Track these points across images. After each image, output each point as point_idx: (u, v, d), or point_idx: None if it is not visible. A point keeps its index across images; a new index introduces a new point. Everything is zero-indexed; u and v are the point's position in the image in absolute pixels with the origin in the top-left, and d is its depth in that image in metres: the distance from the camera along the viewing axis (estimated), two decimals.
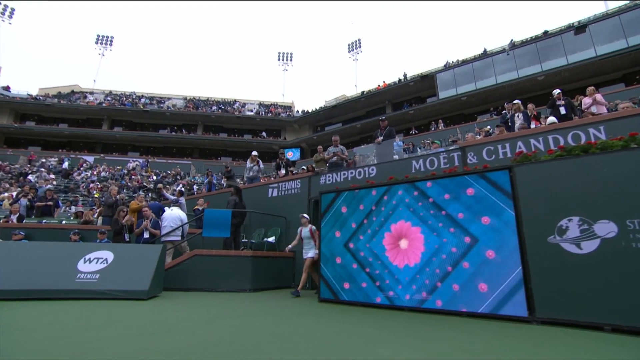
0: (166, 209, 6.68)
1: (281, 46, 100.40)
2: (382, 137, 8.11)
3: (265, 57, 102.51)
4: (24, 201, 8.19)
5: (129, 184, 18.85)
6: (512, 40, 24.65)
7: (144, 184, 18.82)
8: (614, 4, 24.34)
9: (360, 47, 41.25)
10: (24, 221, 7.68)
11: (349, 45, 41.77)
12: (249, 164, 9.74)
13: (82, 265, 4.92)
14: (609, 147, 3.47)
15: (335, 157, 8.22)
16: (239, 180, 16.38)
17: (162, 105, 32.55)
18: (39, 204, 8.30)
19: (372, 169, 6.74)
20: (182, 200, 8.48)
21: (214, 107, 33.73)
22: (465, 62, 25.37)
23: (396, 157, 8.43)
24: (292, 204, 7.74)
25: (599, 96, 8.14)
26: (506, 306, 3.63)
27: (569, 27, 20.36)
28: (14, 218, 7.48)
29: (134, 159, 25.66)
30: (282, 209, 7.85)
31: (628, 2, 21.99)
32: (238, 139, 31.88)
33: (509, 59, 21.59)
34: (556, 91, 8.23)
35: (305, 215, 5.81)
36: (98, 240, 6.54)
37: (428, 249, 4.23)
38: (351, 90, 55.30)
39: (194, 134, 31.62)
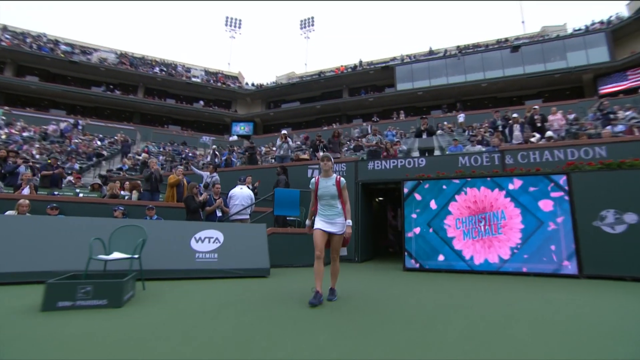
0: (237, 187, 6.69)
1: (230, 10, 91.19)
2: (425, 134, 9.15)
3: (211, 19, 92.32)
4: (22, 168, 6.96)
5: (62, 147, 16.14)
6: (460, 48, 28.17)
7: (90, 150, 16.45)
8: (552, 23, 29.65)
9: (312, 25, 41.06)
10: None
11: (301, 21, 41.16)
12: (278, 142, 9.89)
13: (195, 245, 4.93)
14: (635, 165, 5.26)
15: (375, 147, 9.08)
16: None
17: (89, 57, 27.64)
18: (45, 172, 7.12)
19: (422, 160, 7.88)
20: (217, 176, 8.39)
21: (157, 69, 30.19)
22: (417, 57, 28.06)
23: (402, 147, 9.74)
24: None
25: (559, 115, 10.71)
26: (563, 268, 5.26)
27: (508, 46, 24.24)
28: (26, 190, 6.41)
29: (61, 118, 21.81)
30: None
31: (546, 35, 27.08)
32: (187, 107, 29.40)
33: (459, 63, 24.73)
34: (535, 107, 10.51)
35: (327, 154, 3.54)
36: (148, 217, 6.28)
37: (502, 228, 5.63)
38: (301, 68, 54.86)
39: (134, 96, 27.97)
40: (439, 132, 17.36)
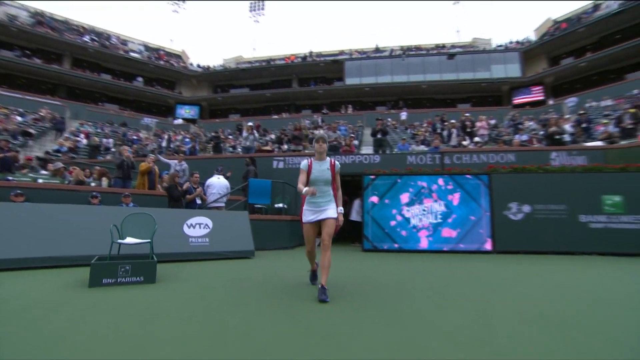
0: (215, 176, 7.10)
1: None
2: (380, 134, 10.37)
3: None
4: None
5: None
6: (404, 49, 30.52)
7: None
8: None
9: (263, 9, 40.24)
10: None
11: (251, 4, 40.08)
12: (244, 133, 10.28)
13: (188, 230, 5.41)
14: (533, 170, 7.10)
15: (335, 142, 10.08)
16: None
17: None
18: None
19: (376, 157, 9.11)
20: (185, 164, 8.65)
21: (87, 38, 27.04)
22: (365, 52, 29.80)
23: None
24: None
25: (484, 122, 12.93)
26: (483, 246, 6.95)
27: (445, 53, 27.06)
28: None
29: None
30: (288, 180, 9.27)
31: (475, 47, 30.70)
32: (126, 85, 27.06)
33: (403, 64, 26.94)
34: (467, 114, 12.55)
35: (323, 135, 3.23)
36: (124, 205, 6.49)
37: (443, 216, 7.13)
38: (249, 52, 53.18)
39: (59, 66, 24.80)
40: (384, 124, 19.09)
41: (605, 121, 11.92)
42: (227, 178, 7.99)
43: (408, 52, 28.46)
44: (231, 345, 1.88)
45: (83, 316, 2.36)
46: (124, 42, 30.31)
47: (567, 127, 10.69)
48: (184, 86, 30.84)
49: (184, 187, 6.54)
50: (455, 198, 7.15)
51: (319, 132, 3.13)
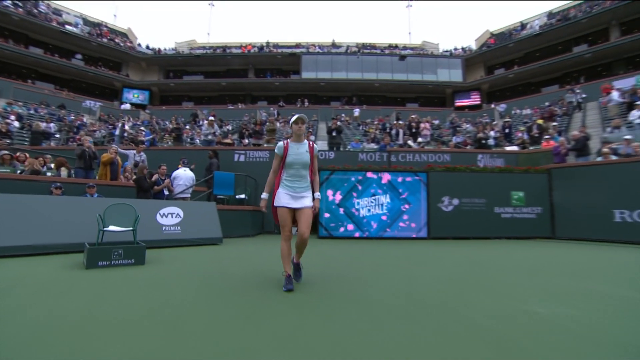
0: (180, 169, 7.42)
1: None
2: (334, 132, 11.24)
3: None
4: None
5: None
6: (359, 46, 31.84)
7: None
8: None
9: None
10: None
11: None
12: (205, 127, 10.52)
13: (161, 219, 5.83)
14: (461, 170, 8.56)
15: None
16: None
17: None
18: None
19: (332, 154, 10.02)
20: (144, 155, 8.83)
21: (8, 2, 24.12)
22: (321, 47, 30.63)
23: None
24: (259, 170, 9.90)
25: (427, 124, 14.55)
26: (420, 233, 8.27)
27: (397, 54, 28.86)
28: None
29: None
30: (249, 173, 9.84)
31: (424, 50, 32.99)
32: (65, 63, 24.79)
33: (358, 61, 28.25)
34: (413, 115, 14.03)
35: (302, 116, 2.93)
36: (88, 195, 6.67)
37: (390, 206, 8.31)
38: (203, 37, 50.92)
39: None
40: (338, 123, 20.20)
41: (522, 128, 14.17)
42: (191, 170, 8.38)
43: (363, 50, 29.84)
44: (220, 298, 2.62)
45: (95, 289, 2.91)
46: (57, 12, 27.53)
47: (492, 133, 12.62)
48: (132, 69, 29.06)
49: (153, 178, 6.86)
50: (399, 192, 8.37)
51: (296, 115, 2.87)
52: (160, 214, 5.91)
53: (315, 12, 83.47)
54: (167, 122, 20.20)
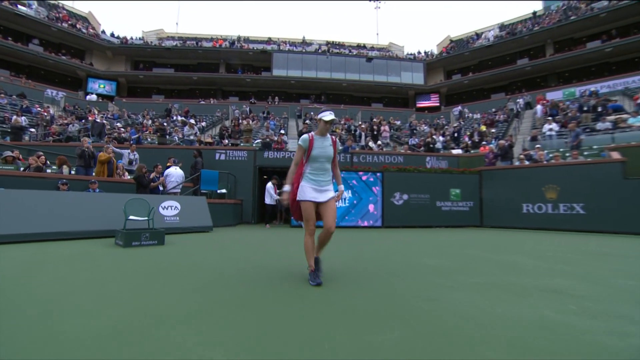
0: (171, 167, 8.62)
1: None
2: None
3: None
4: None
5: None
6: (329, 44, 33.36)
7: None
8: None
9: None
10: None
11: None
12: (186, 129, 11.62)
13: (163, 211, 7.11)
14: (410, 170, 10.51)
15: (268, 139, 12.20)
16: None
17: None
18: None
19: None
20: (137, 154, 9.90)
21: None
22: (292, 43, 31.87)
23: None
24: (239, 168, 11.26)
25: (387, 127, 16.52)
26: (376, 223, 10.14)
27: (364, 55, 30.74)
28: None
29: None
30: (230, 171, 11.16)
31: (391, 51, 35.17)
32: (21, 48, 23.92)
33: (327, 61, 29.79)
34: (374, 119, 15.89)
35: (329, 112, 3.00)
36: (91, 190, 7.77)
37: (351, 200, 10.07)
38: (171, 27, 49.80)
39: None
40: (307, 121, 21.78)
41: (469, 133, 16.58)
42: (181, 168, 9.58)
43: (332, 48, 31.42)
44: (229, 263, 4.15)
45: (137, 259, 4.30)
46: None
47: (440, 138, 14.82)
48: (97, 57, 28.49)
49: (151, 176, 8.05)
50: (360, 188, 10.16)
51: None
52: (162, 206, 7.20)
53: (286, 7, 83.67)
54: (139, 117, 20.64)
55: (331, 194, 2.98)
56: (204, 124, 18.05)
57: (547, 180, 9.85)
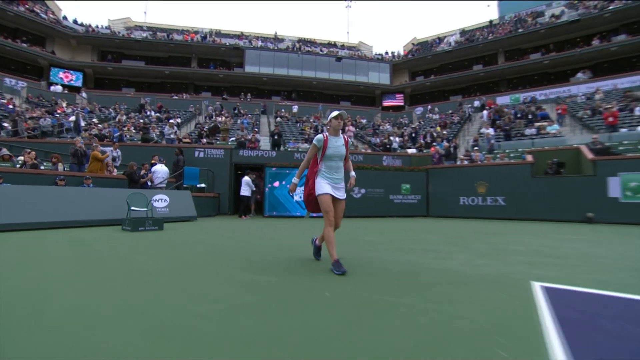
0: (157, 164, 9.88)
1: None
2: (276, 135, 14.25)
3: None
4: None
5: None
6: (300, 41, 34.72)
7: None
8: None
9: None
10: None
11: None
12: (167, 129, 12.75)
13: (155, 203, 8.46)
14: (367, 168, 12.42)
15: (246, 141, 13.61)
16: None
17: None
18: None
19: (273, 153, 13.12)
20: (119, 151, 11.04)
21: None
22: (264, 39, 32.95)
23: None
24: (216, 165, 12.64)
25: (352, 127, 18.39)
26: None
27: (334, 55, 32.43)
28: None
29: None
30: (209, 167, 12.50)
31: (360, 51, 37.08)
32: None
33: (298, 59, 31.19)
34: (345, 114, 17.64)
35: (343, 112, 3.34)
36: (86, 185, 8.95)
37: None
38: (139, 16, 48.62)
39: None
40: (278, 119, 23.32)
41: (423, 133, 18.83)
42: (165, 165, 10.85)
43: (304, 45, 32.86)
44: (224, 240, 5.75)
45: (140, 243, 5.78)
46: None
47: (397, 139, 16.92)
48: (59, 46, 28.00)
49: (141, 173, 9.32)
50: None
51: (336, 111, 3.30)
52: (154, 199, 8.56)
53: (257, 5, 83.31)
54: (111, 111, 21.10)
55: (344, 192, 3.32)
56: (179, 120, 18.96)
57: (479, 178, 12.13)
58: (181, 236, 6.05)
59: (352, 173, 3.58)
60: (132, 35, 29.83)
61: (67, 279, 2.84)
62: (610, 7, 22.64)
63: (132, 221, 6.50)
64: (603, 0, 24.27)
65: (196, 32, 33.50)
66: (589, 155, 10.89)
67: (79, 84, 27.22)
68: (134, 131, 14.69)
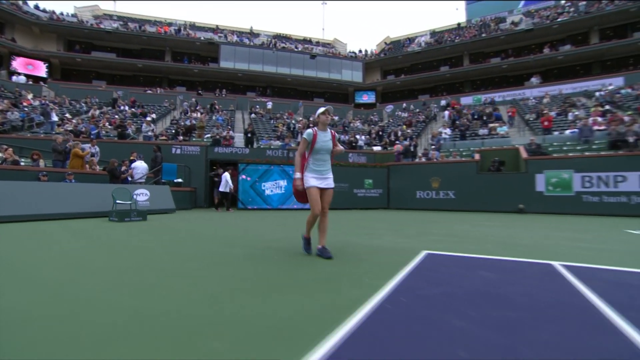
0: (137, 161, 10.69)
1: None
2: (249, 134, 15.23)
3: None
4: None
5: None
6: (276, 36, 35.44)
7: None
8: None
9: None
10: None
11: None
12: (144, 127, 13.45)
13: (137, 197, 9.37)
14: (334, 164, 13.75)
15: (221, 139, 14.51)
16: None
17: None
18: None
19: (247, 150, 14.14)
20: (97, 148, 11.76)
21: None
22: (241, 34, 33.44)
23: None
24: (192, 161, 13.53)
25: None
26: (306, 205, 13.26)
27: (309, 52, 33.42)
28: None
29: None
30: (185, 164, 13.36)
31: (334, 48, 38.22)
32: None
33: (273, 56, 31.96)
34: (311, 118, 18.83)
35: (330, 107, 3.63)
36: (67, 181, 9.71)
37: (286, 188, 13.02)
38: (108, 4, 47.06)
39: None
40: (252, 115, 24.20)
41: (388, 132, 20.37)
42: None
43: (279, 42, 33.66)
44: (204, 226, 6.86)
45: (130, 230, 6.79)
46: None
47: (362, 137, 18.36)
48: (20, 33, 27.18)
49: (122, 169, 10.14)
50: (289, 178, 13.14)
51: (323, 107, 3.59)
52: (135, 193, 9.46)
53: None
54: (82, 104, 21.21)
55: (331, 182, 3.60)
56: (154, 115, 19.44)
57: (433, 174, 13.74)
58: (165, 225, 7.09)
59: (339, 147, 3.72)
60: (101, 25, 29.46)
61: (85, 254, 3.92)
62: (558, 19, 25.06)
63: (119, 213, 7.45)
64: (555, 11, 26.74)
65: (169, 24, 33.44)
66: (524, 154, 12.72)
67: (43, 74, 26.71)
68: (109, 127, 15.18)
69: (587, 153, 12.29)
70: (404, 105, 28.33)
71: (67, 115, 17.00)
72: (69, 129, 13.73)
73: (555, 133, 15.08)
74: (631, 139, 11.04)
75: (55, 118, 14.66)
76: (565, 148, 13.37)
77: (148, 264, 3.27)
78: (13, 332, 1.58)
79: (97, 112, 18.14)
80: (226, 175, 12.34)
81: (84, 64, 28.62)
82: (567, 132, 14.57)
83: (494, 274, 2.96)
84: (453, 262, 3.47)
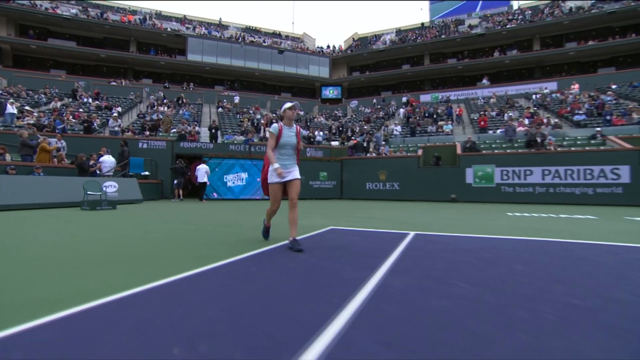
0: (105, 155, 11.67)
1: None
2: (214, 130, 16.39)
3: None
4: None
5: None
6: (245, 29, 36.13)
7: None
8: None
9: None
10: None
11: None
12: (111, 122, 14.30)
13: (106, 189, 10.48)
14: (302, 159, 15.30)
15: (188, 135, 15.59)
16: None
17: None
18: None
19: (211, 145, 15.35)
20: (64, 142, 12.64)
21: None
22: (209, 25, 33.91)
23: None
24: (159, 155, 14.60)
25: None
26: (265, 196, 14.79)
27: (277, 47, 34.46)
28: None
29: None
30: (152, 158, 14.40)
31: (303, 43, 39.37)
32: None
33: (241, 50, 32.77)
34: (273, 115, 20.20)
35: (297, 103, 3.78)
36: (36, 174, 10.65)
37: (247, 180, 14.44)
38: None
39: None
40: (219, 109, 25.14)
41: (347, 128, 22.11)
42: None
43: (248, 35, 34.45)
44: (173, 214, 8.22)
45: (104, 217, 8.05)
46: None
47: (321, 133, 20.01)
48: None
49: (90, 162, 11.16)
50: (254, 171, 14.56)
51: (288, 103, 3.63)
52: (104, 185, 10.58)
53: None
54: (42, 95, 21.32)
55: (296, 173, 3.67)
56: (120, 109, 19.99)
57: (381, 167, 15.60)
58: (134, 212, 8.38)
59: (300, 144, 3.75)
60: (58, 10, 28.91)
61: (77, 232, 5.28)
62: (508, 26, 27.71)
63: (90, 202, 8.64)
64: (506, 17, 29.42)
65: (134, 13, 33.30)
66: (458, 151, 14.84)
67: None
68: (73, 121, 15.80)
69: (508, 150, 14.58)
70: (374, 101, 30.20)
71: (27, 107, 17.27)
72: (31, 122, 14.26)
73: (490, 132, 17.39)
74: (539, 139, 13.35)
75: (12, 110, 15.03)
76: (493, 146, 15.64)
77: (123, 235, 4.69)
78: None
79: (59, 104, 18.50)
80: (204, 168, 13.42)
81: (39, 51, 28.14)
82: (499, 131, 16.89)
83: (361, 238, 4.64)
84: (346, 233, 5.14)
